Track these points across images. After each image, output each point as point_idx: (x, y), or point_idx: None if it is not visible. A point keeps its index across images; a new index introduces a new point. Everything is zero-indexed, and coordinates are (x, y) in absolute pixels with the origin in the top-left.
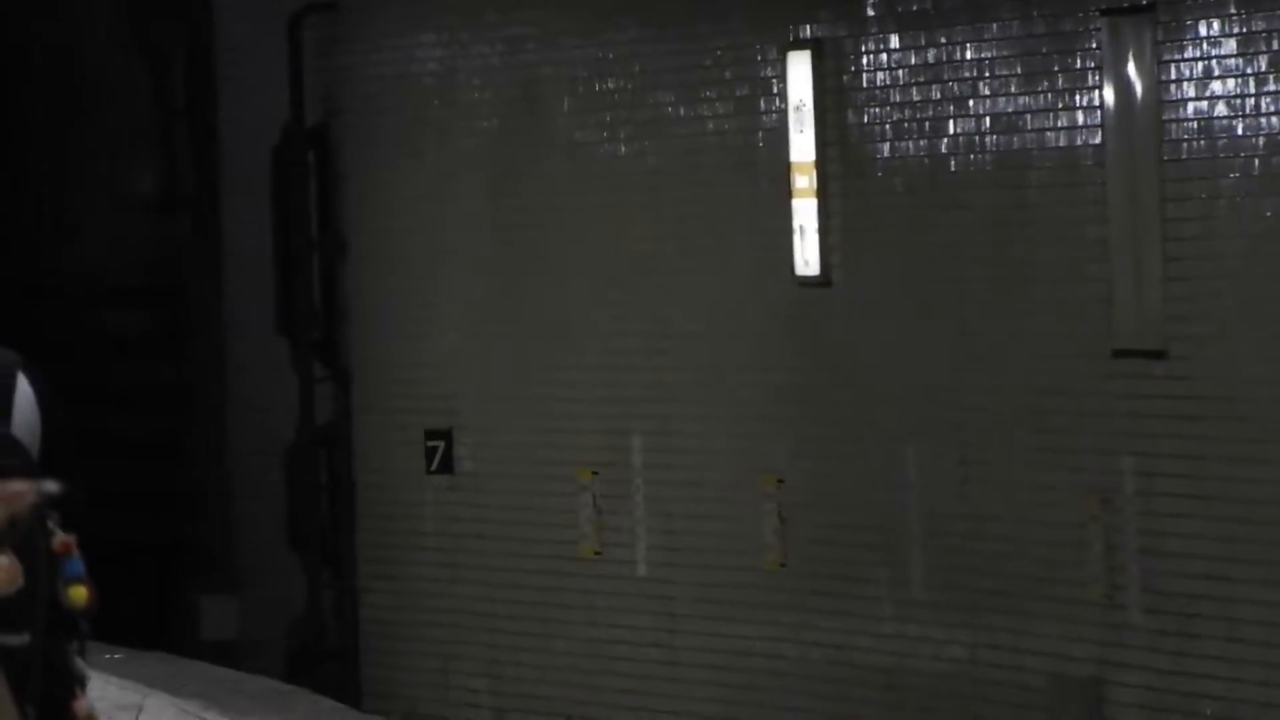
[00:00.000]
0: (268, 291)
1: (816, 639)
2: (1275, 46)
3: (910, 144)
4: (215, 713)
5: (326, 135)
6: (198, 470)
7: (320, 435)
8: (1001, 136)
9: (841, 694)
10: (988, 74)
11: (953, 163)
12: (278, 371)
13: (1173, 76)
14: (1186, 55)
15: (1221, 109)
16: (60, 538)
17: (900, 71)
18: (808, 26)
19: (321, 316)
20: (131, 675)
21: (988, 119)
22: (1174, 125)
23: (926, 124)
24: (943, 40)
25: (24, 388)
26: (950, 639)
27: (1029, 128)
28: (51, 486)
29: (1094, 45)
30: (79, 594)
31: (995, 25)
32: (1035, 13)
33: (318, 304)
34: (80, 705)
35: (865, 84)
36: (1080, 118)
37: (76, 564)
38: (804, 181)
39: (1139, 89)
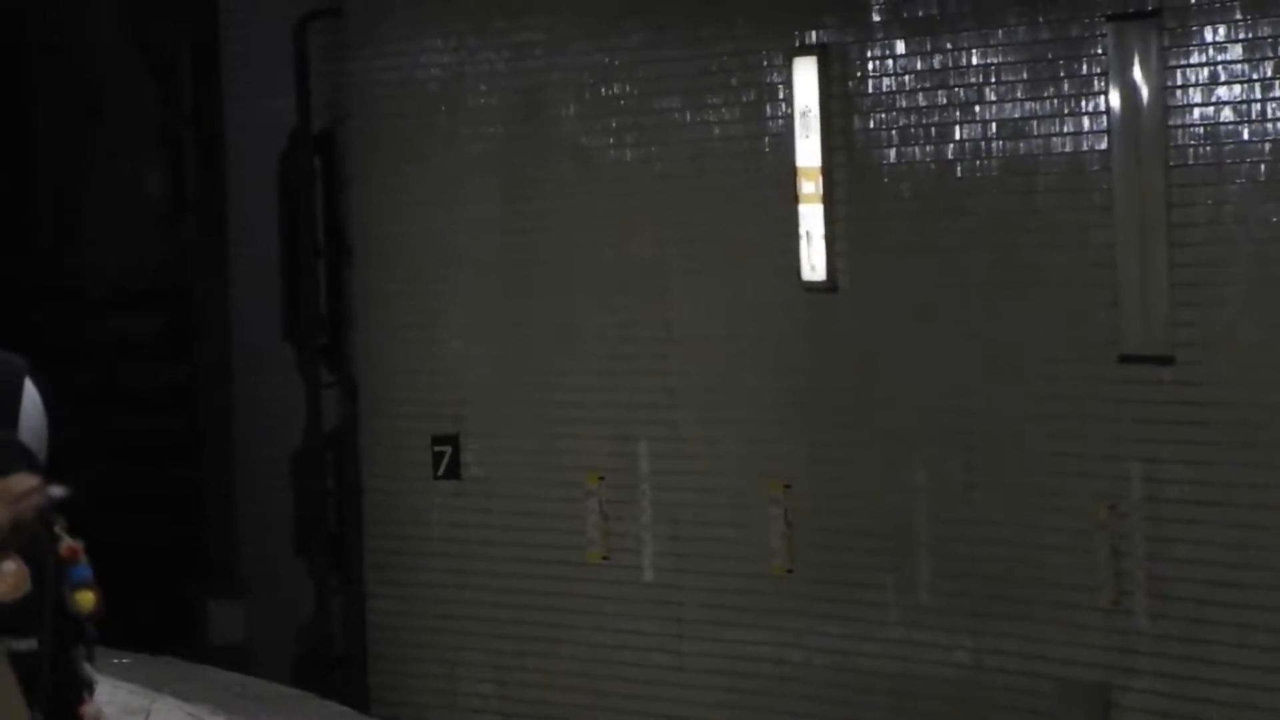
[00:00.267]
0: (274, 296)
1: (823, 644)
2: None
3: (916, 149)
4: (223, 717)
5: (332, 140)
6: (205, 475)
7: (327, 440)
8: (1007, 142)
9: (848, 700)
10: (994, 79)
11: (959, 168)
12: (284, 377)
13: (1179, 82)
14: (1192, 61)
15: (1227, 114)
16: (67, 543)
17: (906, 77)
18: (813, 32)
19: (327, 322)
20: (139, 679)
21: (994, 124)
22: (1180, 131)
23: (932, 129)
24: (948, 46)
25: (31, 392)
26: (957, 645)
27: (1035, 133)
28: (58, 491)
29: (1100, 51)
30: (86, 599)
31: (1001, 31)
32: (1041, 18)
33: (324, 309)
34: (88, 710)
35: (871, 89)
36: (1086, 123)
37: (84, 569)
38: (810, 187)
39: (1145, 94)
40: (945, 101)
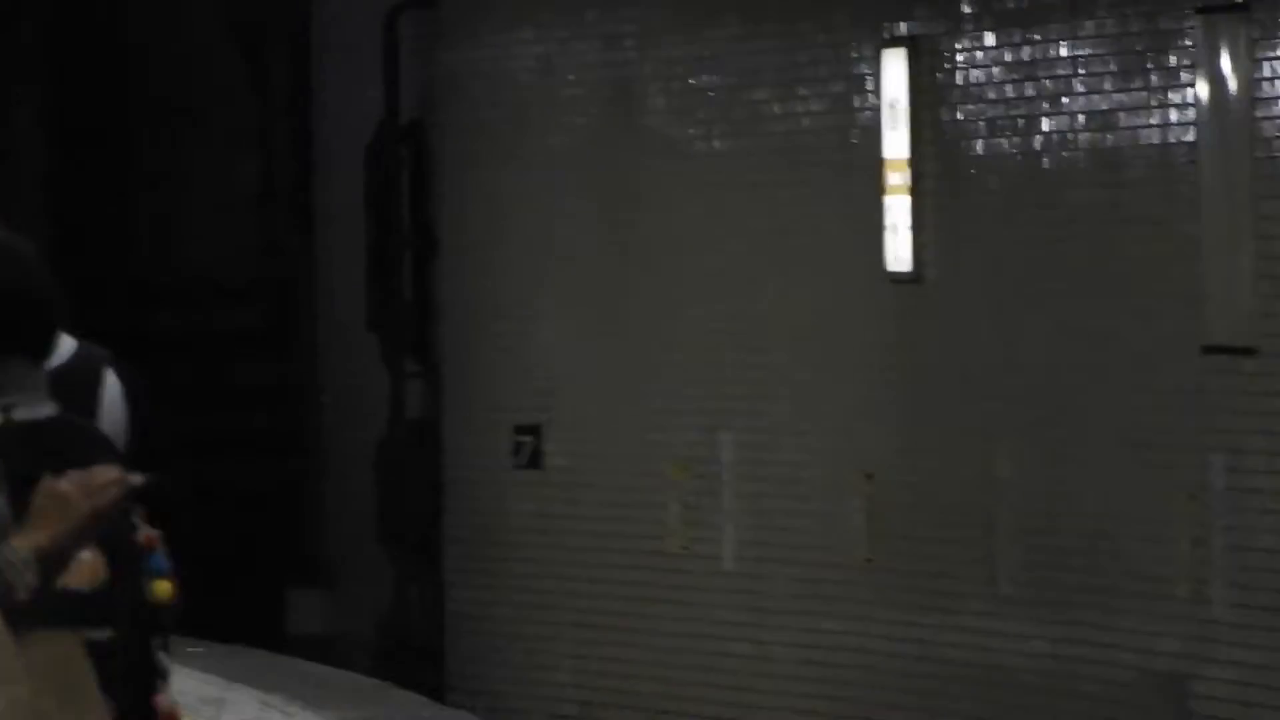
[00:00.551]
0: (361, 287)
1: (905, 634)
2: None
3: (1004, 141)
4: (298, 706)
5: (421, 132)
6: (288, 465)
7: (411, 430)
8: (1095, 134)
9: (929, 690)
10: (1082, 71)
11: (1046, 160)
12: (370, 367)
13: (1266, 74)
14: None
15: None
16: (145, 532)
17: (995, 69)
18: (903, 24)
19: (413, 312)
20: (215, 669)
21: (1082, 116)
22: (1267, 123)
23: (1020, 121)
24: (1037, 38)
25: (112, 383)
26: (1039, 634)
27: (1123, 125)
28: (137, 480)
29: (1189, 43)
30: (163, 589)
31: (1090, 23)
32: (1130, 10)
33: (410, 300)
34: (163, 699)
35: (960, 81)
36: (1174, 115)
37: (161, 559)
38: (897, 179)
39: (1233, 87)
40: (1033, 93)
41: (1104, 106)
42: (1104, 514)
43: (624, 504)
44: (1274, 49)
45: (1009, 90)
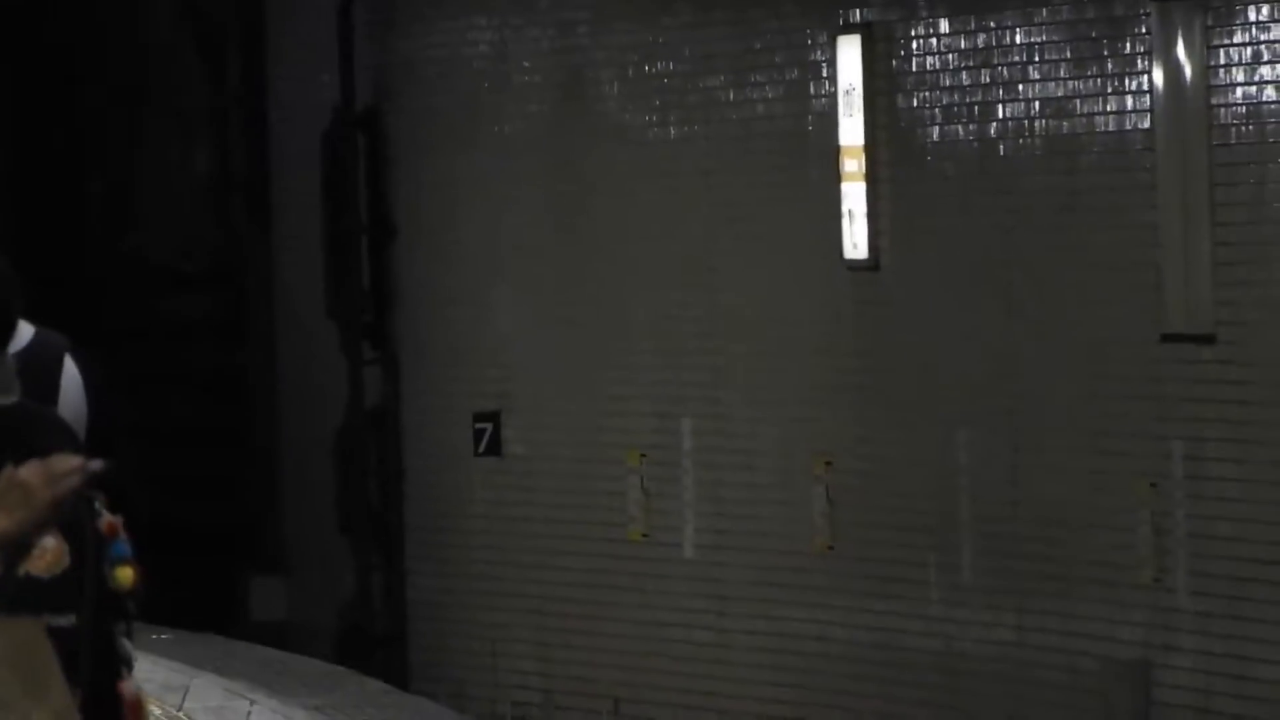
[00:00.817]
0: (318, 275)
1: (865, 622)
2: None
3: (960, 128)
4: (262, 694)
5: (376, 119)
6: (247, 452)
7: (369, 418)
8: (1051, 121)
9: (889, 677)
10: (1037, 59)
11: (1002, 147)
12: (328, 354)
13: (1222, 61)
14: (1235, 40)
15: (1271, 93)
16: (107, 519)
17: (950, 56)
18: (858, 11)
19: (370, 299)
20: (179, 656)
21: (1037, 104)
22: (1223, 110)
23: (976, 109)
24: (993, 25)
25: (71, 370)
26: (999, 622)
27: (1079, 113)
28: (97, 465)
29: (1144, 30)
30: (126, 575)
31: (1045, 10)
32: None
33: (367, 287)
34: (127, 686)
35: (915, 68)
36: (1130, 102)
37: (123, 546)
38: (853, 166)
39: (1189, 74)
40: (989, 81)
41: (1060, 94)
42: (1064, 502)
43: (584, 491)
44: (1230, 36)
45: (965, 77)
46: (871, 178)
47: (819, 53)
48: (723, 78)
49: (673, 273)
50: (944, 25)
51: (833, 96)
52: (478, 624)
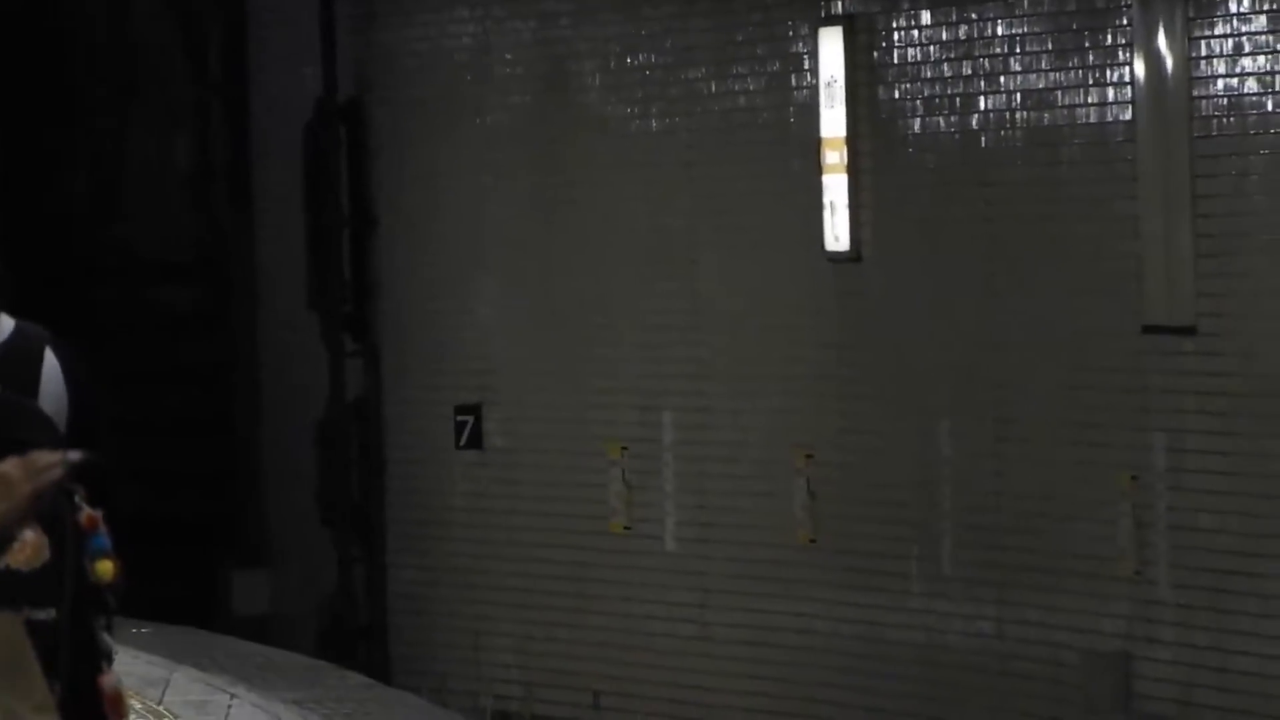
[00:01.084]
0: (300, 267)
1: (847, 614)
2: None
3: (941, 120)
4: (243, 687)
5: (359, 110)
6: (228, 444)
7: (351, 410)
8: (1032, 112)
9: (871, 669)
10: (1019, 50)
11: (983, 139)
12: (310, 346)
13: (1203, 53)
14: (1217, 31)
15: (1251, 85)
16: (87, 512)
17: (932, 47)
18: (840, 2)
19: (352, 290)
20: (159, 650)
21: (1019, 95)
22: (1204, 101)
23: (958, 100)
24: (974, 16)
25: (51, 363)
26: (980, 614)
27: (1060, 104)
28: (76, 456)
29: (1125, 22)
30: (106, 569)
31: (1026, 1)
32: None
33: (348, 278)
34: (107, 679)
35: (897, 60)
36: (1111, 94)
37: (103, 539)
38: (835, 157)
39: (1170, 65)
40: (970, 72)
41: (1041, 85)
42: (1046, 494)
43: (566, 484)
44: (1210, 27)
45: (946, 69)
46: (853, 169)
47: (801, 44)
48: (704, 69)
49: (655, 265)
50: (925, 17)
51: (814, 88)
52: (459, 617)
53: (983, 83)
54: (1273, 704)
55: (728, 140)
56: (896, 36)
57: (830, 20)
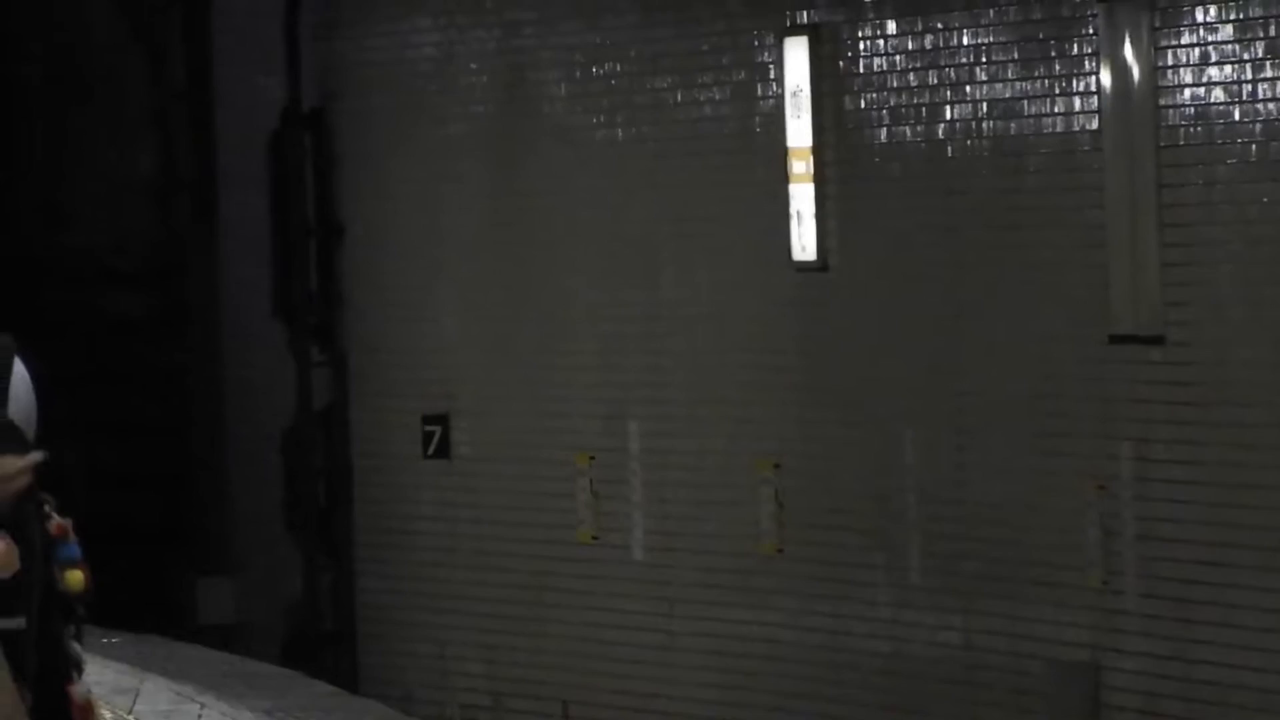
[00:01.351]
0: (265, 274)
1: (813, 624)
2: (1272, 33)
3: (907, 129)
4: (212, 696)
5: (324, 119)
6: (195, 453)
7: (317, 419)
8: (999, 122)
9: (837, 679)
10: (985, 60)
11: (950, 148)
12: (275, 355)
13: (1169, 62)
14: (1183, 41)
15: (1218, 95)
16: (56, 521)
17: (898, 57)
18: (805, 12)
19: (318, 300)
20: (128, 659)
21: (985, 105)
22: (1171, 111)
23: (924, 109)
24: (940, 26)
25: (20, 371)
26: (947, 624)
27: (1026, 113)
28: (38, 457)
29: (1091, 31)
30: (75, 577)
31: (992, 11)
32: None
33: (314, 287)
34: (77, 689)
35: (862, 69)
36: (1077, 104)
37: (73, 547)
38: (801, 167)
39: (1136, 75)
40: (936, 81)
41: (1007, 95)
42: (1013, 503)
43: (533, 493)
44: (1176, 36)
45: (912, 78)
46: (819, 179)
47: (766, 54)
48: (669, 79)
49: (621, 275)
50: (891, 26)
51: (780, 98)
52: (427, 626)
53: (949, 92)
54: (1241, 715)
55: (693, 150)
56: (862, 46)
57: (795, 30)
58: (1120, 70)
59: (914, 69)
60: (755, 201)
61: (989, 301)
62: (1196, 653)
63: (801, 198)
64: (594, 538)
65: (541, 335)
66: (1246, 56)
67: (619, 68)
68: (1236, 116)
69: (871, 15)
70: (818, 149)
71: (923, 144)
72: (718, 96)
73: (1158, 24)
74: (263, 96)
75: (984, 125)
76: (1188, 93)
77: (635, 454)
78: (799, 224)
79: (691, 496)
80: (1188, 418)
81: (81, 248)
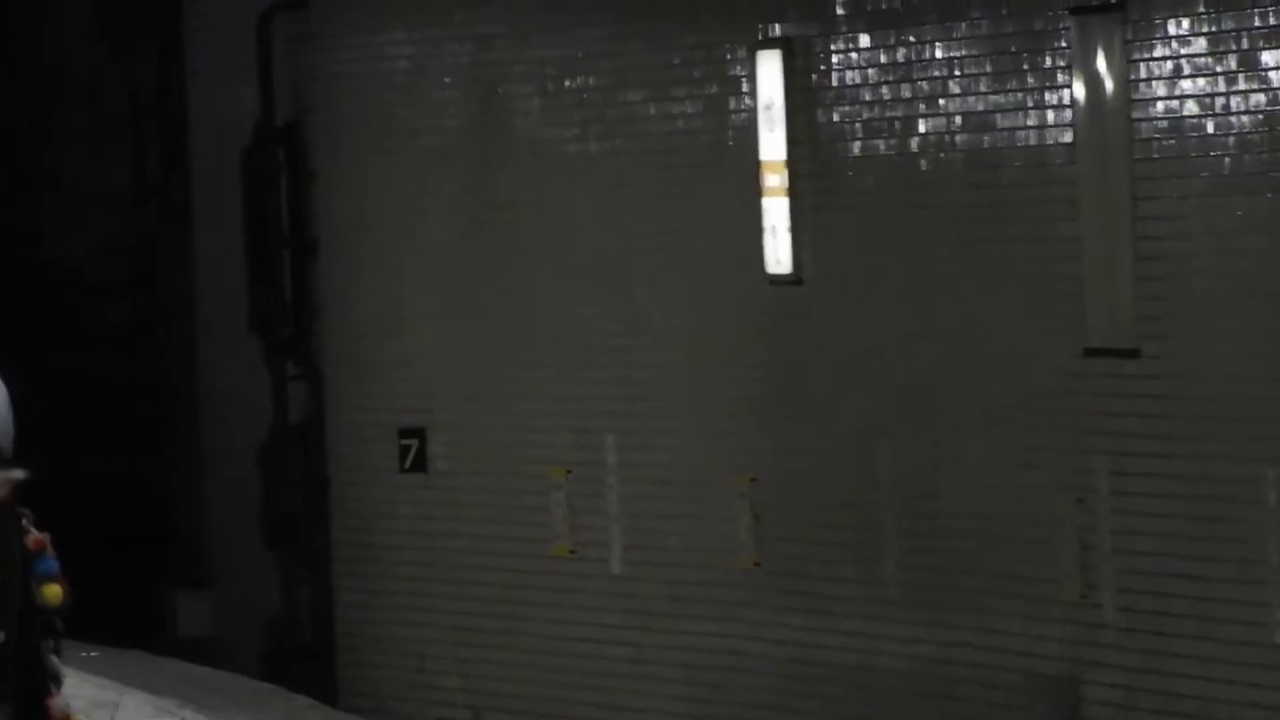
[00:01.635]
0: (240, 287)
1: (790, 638)
2: (1245, 45)
3: (881, 143)
4: (191, 710)
5: (297, 133)
6: (172, 467)
7: (293, 432)
8: (972, 135)
9: (814, 693)
10: (958, 72)
11: (923, 161)
12: (250, 368)
13: (1142, 75)
14: (1156, 54)
15: (1191, 107)
16: (34, 535)
17: (870, 70)
18: (777, 25)
19: (293, 314)
20: (107, 673)
21: (958, 117)
22: (1144, 124)
23: (897, 123)
24: (912, 39)
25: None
26: (924, 638)
27: (999, 126)
28: (19, 474)
29: (1064, 44)
30: (53, 592)
31: (964, 24)
32: (1004, 11)
33: (289, 301)
34: (56, 703)
35: (835, 83)
36: (1050, 116)
37: (51, 562)
38: (775, 180)
39: (1109, 87)
40: (909, 95)
41: (980, 107)
42: (989, 516)
43: (510, 507)
44: (1149, 49)
45: (885, 91)
46: (793, 192)
47: (739, 68)
48: (642, 92)
49: (595, 288)
50: (864, 40)
51: (753, 111)
52: (405, 640)
53: (922, 105)
54: None
55: (666, 163)
56: (835, 59)
57: (768, 43)
58: (1093, 83)
59: (887, 82)
60: (729, 215)
61: (964, 314)
62: (1174, 666)
63: (775, 211)
64: (571, 551)
65: (518, 349)
66: (1219, 69)
67: (592, 81)
68: (1210, 129)
69: (844, 29)
70: (791, 162)
71: (896, 157)
72: (691, 110)
73: (1130, 36)
74: (237, 110)
75: (957, 138)
76: (1161, 105)
77: (612, 468)
78: (773, 237)
79: (668, 510)
80: (1163, 430)
81: (55, 258)
